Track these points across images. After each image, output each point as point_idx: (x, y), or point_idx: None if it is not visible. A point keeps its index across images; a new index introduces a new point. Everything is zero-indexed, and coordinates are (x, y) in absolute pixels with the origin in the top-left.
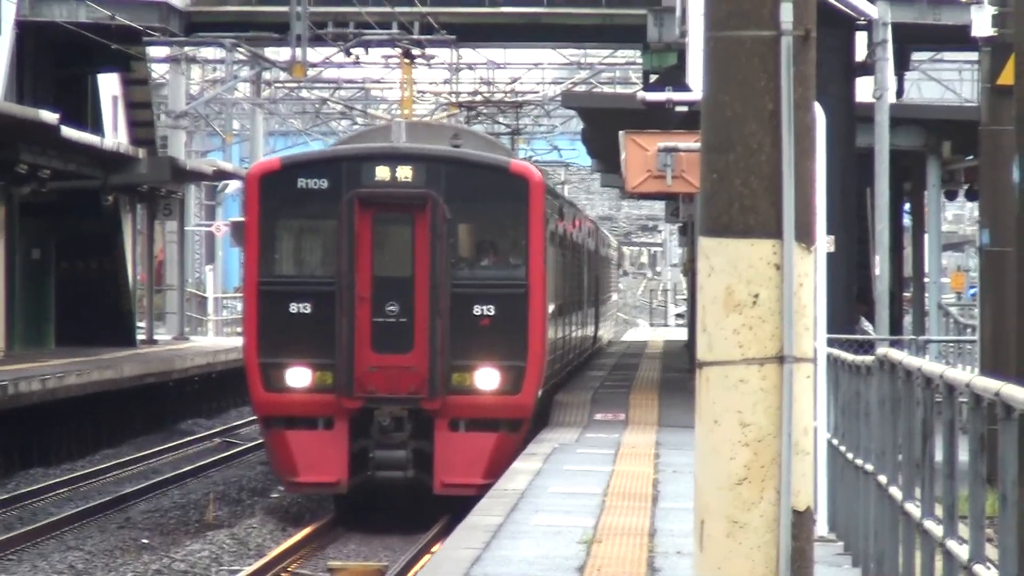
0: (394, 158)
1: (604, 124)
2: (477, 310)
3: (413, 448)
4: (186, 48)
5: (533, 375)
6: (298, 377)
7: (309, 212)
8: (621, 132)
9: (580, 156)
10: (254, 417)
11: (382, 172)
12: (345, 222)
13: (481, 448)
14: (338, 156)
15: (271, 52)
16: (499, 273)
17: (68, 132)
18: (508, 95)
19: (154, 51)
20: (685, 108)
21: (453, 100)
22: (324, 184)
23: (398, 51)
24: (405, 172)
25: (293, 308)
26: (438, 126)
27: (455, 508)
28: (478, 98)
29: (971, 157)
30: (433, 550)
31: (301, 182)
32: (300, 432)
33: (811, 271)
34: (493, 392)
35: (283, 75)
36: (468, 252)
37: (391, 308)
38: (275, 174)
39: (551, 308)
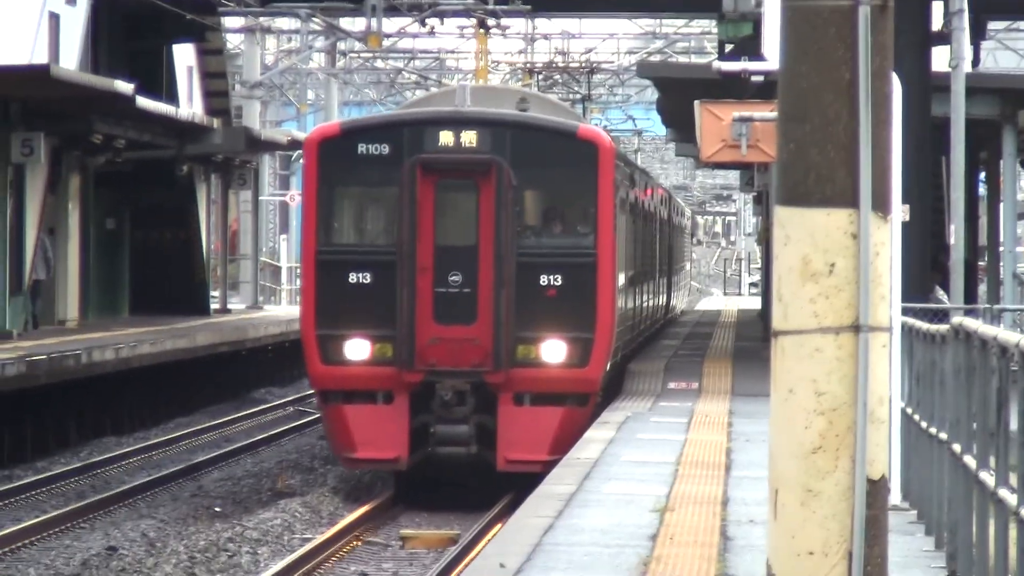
0: (458, 122)
1: (679, 94)
2: (543, 280)
3: (476, 423)
4: (261, 18)
5: (601, 348)
6: (357, 349)
7: (370, 179)
8: (696, 102)
9: (655, 125)
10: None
11: (445, 137)
12: (407, 189)
13: (546, 423)
14: (400, 121)
15: (346, 22)
16: (566, 242)
17: (143, 102)
18: (583, 64)
19: (229, 21)
20: (761, 78)
21: (526, 68)
22: (385, 150)
23: (473, 21)
24: (469, 137)
25: (352, 278)
26: (504, 90)
27: (519, 486)
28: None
29: None
30: (496, 528)
31: (362, 147)
32: (359, 406)
33: (887, 240)
34: (559, 365)
35: (358, 45)
36: (534, 220)
37: (454, 278)
38: (334, 139)
39: (621, 278)
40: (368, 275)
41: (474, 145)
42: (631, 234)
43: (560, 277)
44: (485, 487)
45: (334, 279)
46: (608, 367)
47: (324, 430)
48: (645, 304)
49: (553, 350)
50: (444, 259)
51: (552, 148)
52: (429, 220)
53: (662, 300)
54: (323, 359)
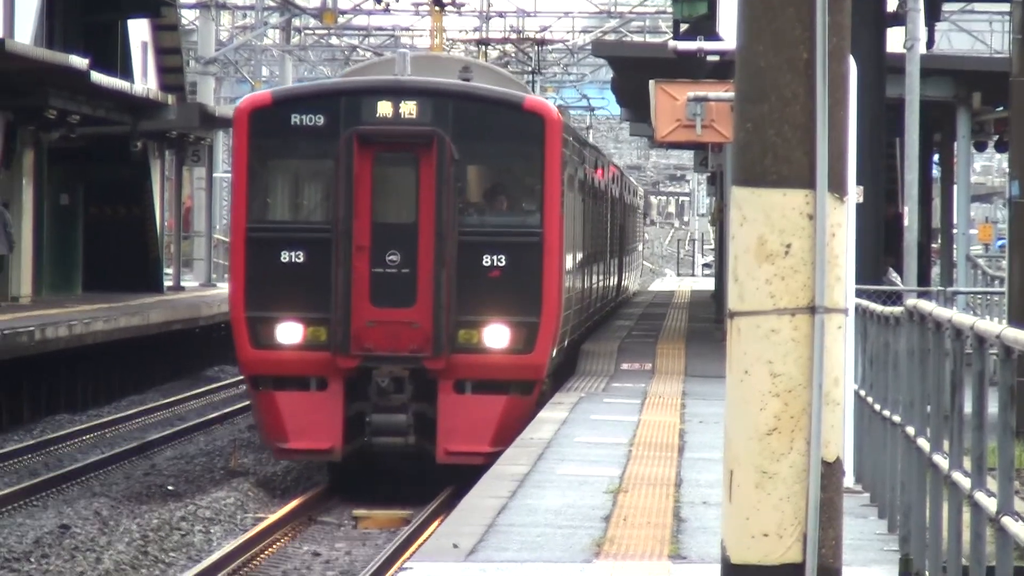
0: (397, 92)
1: (634, 73)
2: (487, 260)
3: (414, 412)
4: None
5: (547, 333)
6: (289, 333)
7: (303, 151)
8: (651, 81)
9: (610, 105)
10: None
11: (384, 108)
12: (343, 162)
13: (489, 412)
14: (335, 90)
15: None
16: (511, 220)
17: (97, 77)
18: (533, 38)
19: None
20: (716, 58)
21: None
22: (320, 121)
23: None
24: (409, 108)
25: (284, 257)
26: (447, 59)
27: (461, 479)
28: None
29: (1001, 108)
30: (442, 509)
31: (295, 118)
32: (290, 393)
33: (843, 222)
34: (503, 351)
35: (313, 22)
36: (477, 197)
37: (392, 258)
38: (266, 109)
39: (569, 259)
40: (301, 254)
41: (414, 116)
42: (580, 212)
43: (504, 257)
44: (424, 480)
45: (265, 258)
46: (555, 353)
47: (254, 418)
48: (595, 286)
49: (496, 335)
50: (382, 237)
51: (496, 120)
52: (366, 196)
53: (613, 281)
54: (253, 343)
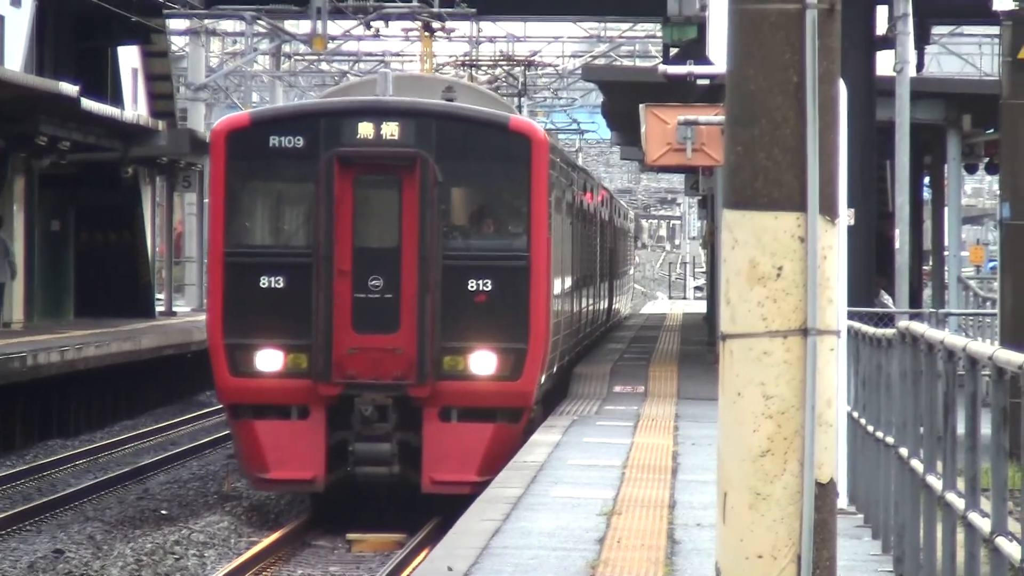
0: (378, 113)
1: (624, 97)
2: (472, 285)
3: (399, 440)
4: (206, 20)
5: (535, 359)
6: (269, 360)
7: (282, 174)
8: (641, 105)
9: (600, 129)
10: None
11: (365, 129)
12: (323, 185)
13: (476, 441)
14: (315, 111)
15: (291, 25)
16: (497, 243)
17: (88, 104)
18: (520, 60)
19: (174, 23)
20: (706, 81)
21: (463, 63)
22: (299, 142)
23: (418, 24)
24: (391, 129)
25: (264, 282)
26: (430, 79)
27: (447, 509)
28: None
29: (991, 130)
30: (431, 533)
31: (273, 140)
32: (271, 422)
33: (834, 244)
34: (490, 378)
35: (303, 48)
36: (462, 220)
37: (374, 283)
38: (244, 131)
39: (557, 283)
40: (281, 279)
41: (396, 138)
42: (568, 235)
43: (490, 282)
44: (411, 507)
45: (244, 283)
46: (543, 379)
47: (234, 448)
48: (585, 310)
49: (482, 361)
50: (364, 262)
51: (481, 141)
52: (347, 219)
53: (604, 305)
54: (232, 370)
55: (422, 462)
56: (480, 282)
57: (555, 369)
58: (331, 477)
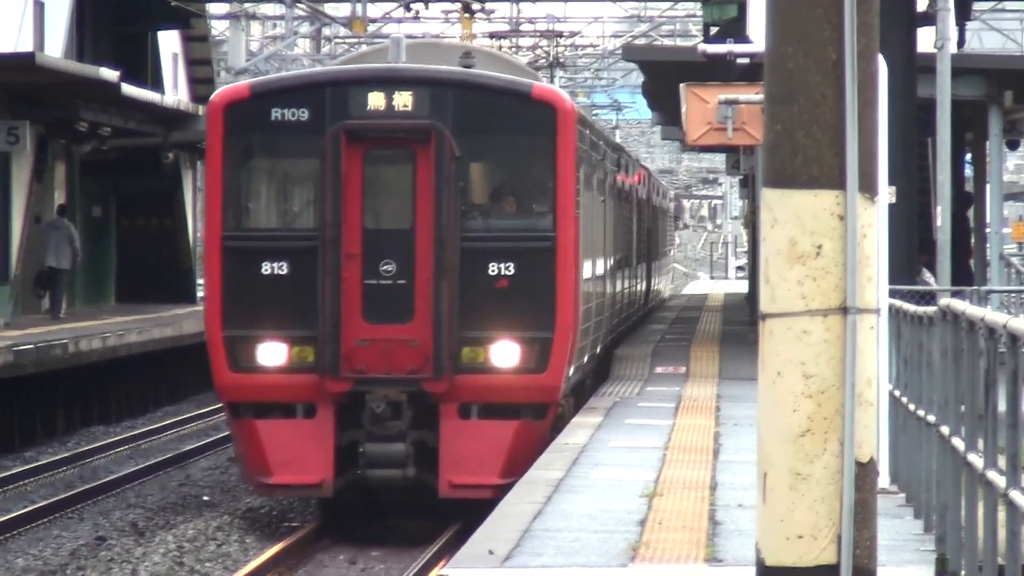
0: (390, 82)
1: (664, 77)
2: (493, 269)
3: (413, 440)
4: (246, 4)
5: (562, 349)
6: (272, 354)
7: (286, 150)
8: (682, 84)
9: (641, 109)
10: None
11: (375, 99)
12: (329, 161)
13: (498, 440)
14: (321, 80)
15: (331, 8)
16: (520, 223)
17: (128, 89)
18: (569, 48)
19: (214, 8)
20: (746, 60)
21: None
22: (304, 115)
23: (458, 5)
24: (404, 99)
25: (266, 268)
26: (447, 45)
27: (467, 514)
28: (539, 52)
29: None
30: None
31: (276, 112)
32: (274, 422)
33: (874, 222)
34: (512, 370)
35: (343, 31)
36: (482, 198)
37: (386, 268)
38: (243, 103)
39: (587, 266)
40: (284, 265)
41: (409, 108)
42: (600, 214)
43: (513, 265)
44: (427, 517)
45: (244, 270)
46: (571, 371)
47: (234, 450)
48: (620, 294)
49: (505, 353)
50: (375, 245)
51: (502, 111)
52: (357, 199)
53: (640, 289)
54: (231, 365)
55: (439, 464)
56: (502, 266)
57: (585, 359)
58: (340, 481)
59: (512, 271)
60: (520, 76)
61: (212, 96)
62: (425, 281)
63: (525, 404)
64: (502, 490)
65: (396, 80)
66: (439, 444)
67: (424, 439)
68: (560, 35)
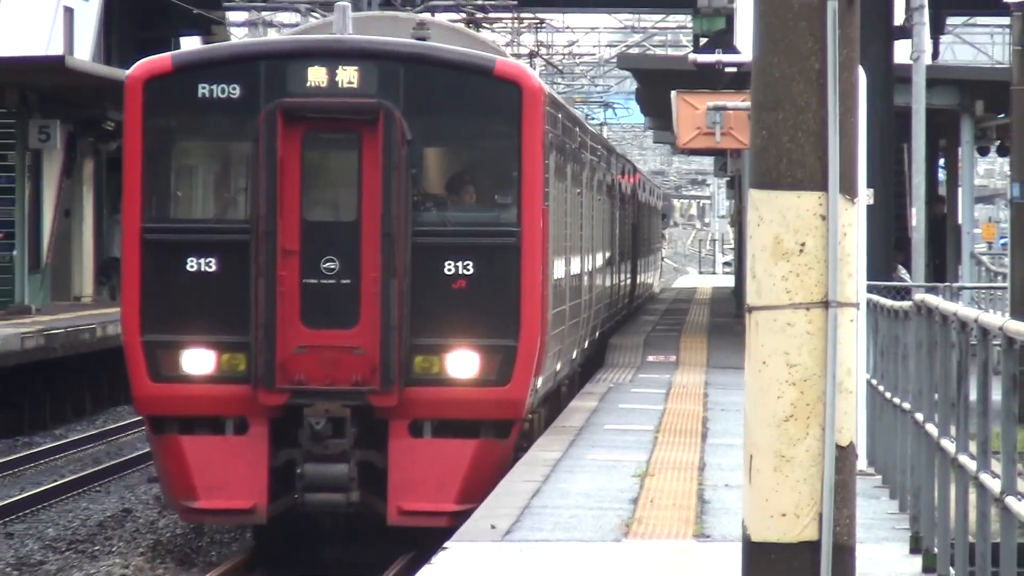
0: (333, 55)
1: (657, 84)
2: (449, 268)
3: (358, 461)
4: (263, 12)
5: (527, 358)
6: (198, 362)
7: (214, 131)
8: (673, 92)
9: (634, 114)
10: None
11: (316, 75)
12: (264, 145)
13: (454, 461)
14: (255, 53)
15: None
16: (481, 216)
17: None
18: (565, 56)
19: (233, 15)
20: (734, 69)
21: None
22: (236, 92)
23: (462, 15)
24: (349, 75)
25: (191, 265)
26: (403, 18)
27: (419, 542)
28: (537, 60)
29: (1002, 115)
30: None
31: (203, 89)
32: (201, 438)
33: (854, 222)
34: (471, 383)
35: None
36: (437, 187)
37: (328, 266)
38: (165, 78)
39: (559, 265)
40: (213, 261)
41: (355, 86)
42: (576, 208)
43: (472, 264)
44: (372, 547)
45: (167, 267)
46: (539, 383)
47: (156, 469)
48: (599, 295)
49: (462, 363)
50: (315, 240)
51: (461, 90)
52: (295, 187)
53: (624, 289)
54: (152, 374)
55: (388, 488)
56: (459, 264)
57: (559, 367)
58: (275, 506)
59: (471, 270)
60: (482, 50)
61: (130, 69)
62: (372, 281)
63: (485, 421)
64: (458, 518)
65: (340, 53)
66: (387, 466)
67: (370, 460)
68: (541, 22)
